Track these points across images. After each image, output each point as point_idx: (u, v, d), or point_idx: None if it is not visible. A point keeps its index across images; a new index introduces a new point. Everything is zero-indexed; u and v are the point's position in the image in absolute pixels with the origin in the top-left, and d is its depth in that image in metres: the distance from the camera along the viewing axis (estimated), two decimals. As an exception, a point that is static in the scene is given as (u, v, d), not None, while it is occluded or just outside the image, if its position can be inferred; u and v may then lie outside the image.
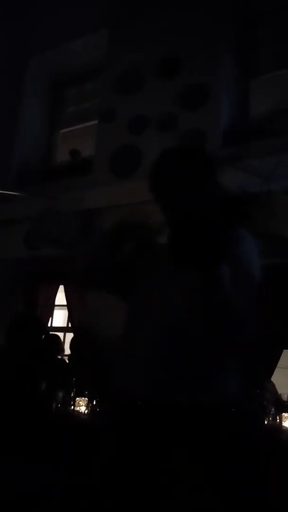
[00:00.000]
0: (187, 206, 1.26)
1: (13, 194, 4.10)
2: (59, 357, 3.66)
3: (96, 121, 4.27)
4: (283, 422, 2.47)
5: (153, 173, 1.37)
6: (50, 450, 2.50)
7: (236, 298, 1.12)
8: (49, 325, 4.59)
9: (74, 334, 3.89)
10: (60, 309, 4.76)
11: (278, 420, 2.49)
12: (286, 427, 2.45)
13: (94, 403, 2.83)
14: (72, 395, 2.90)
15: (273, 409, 2.51)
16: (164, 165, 1.36)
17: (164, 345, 1.24)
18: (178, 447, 1.19)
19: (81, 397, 2.87)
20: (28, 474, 2.37)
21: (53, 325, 4.73)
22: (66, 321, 4.70)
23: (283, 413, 2.49)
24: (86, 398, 2.86)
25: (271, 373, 3.12)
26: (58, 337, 3.97)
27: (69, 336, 4.15)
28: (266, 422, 2.47)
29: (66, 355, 3.76)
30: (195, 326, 1.18)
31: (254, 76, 3.71)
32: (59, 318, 4.99)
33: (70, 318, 4.44)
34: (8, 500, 2.21)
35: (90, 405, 2.84)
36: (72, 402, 2.87)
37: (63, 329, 4.57)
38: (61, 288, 4.44)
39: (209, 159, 1.38)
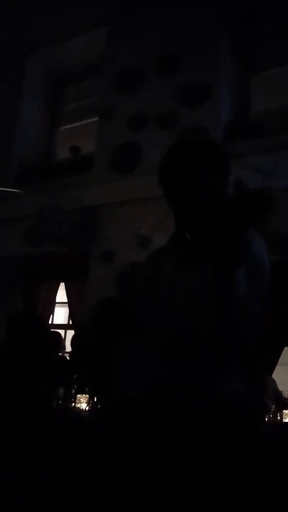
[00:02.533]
0: (200, 200, 1.22)
1: (14, 192, 4.10)
2: (60, 354, 3.66)
3: (96, 118, 4.27)
4: (284, 419, 2.47)
5: (164, 165, 1.31)
6: (51, 448, 2.51)
7: (248, 302, 1.08)
8: (50, 322, 4.60)
9: (75, 331, 3.89)
10: (61, 306, 4.76)
11: (279, 417, 2.49)
12: (287, 423, 2.45)
13: (95, 400, 2.84)
14: (73, 392, 2.91)
15: (274, 406, 2.51)
16: (176, 156, 1.30)
17: (168, 346, 1.22)
18: (179, 447, 1.18)
19: (82, 394, 2.88)
20: (27, 472, 2.37)
21: (54, 322, 4.73)
22: (67, 319, 4.70)
23: (284, 410, 2.49)
24: (86, 395, 2.87)
25: (272, 370, 3.13)
26: (59, 334, 3.98)
27: (70, 333, 4.16)
28: (267, 419, 2.47)
29: (67, 352, 3.77)
30: (201, 327, 1.16)
31: (255, 72, 3.70)
32: (60, 315, 5.00)
33: (71, 316, 4.44)
34: (7, 498, 2.21)
35: (91, 402, 2.85)
36: (73, 399, 2.88)
37: (64, 327, 4.58)
38: (62, 286, 4.44)
39: (223, 153, 1.32)
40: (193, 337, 1.18)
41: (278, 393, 2.75)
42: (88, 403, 2.85)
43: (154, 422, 1.20)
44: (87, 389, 2.89)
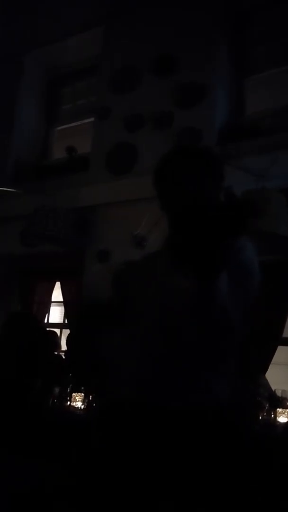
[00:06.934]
0: (192, 205, 1.24)
1: (9, 191, 4.11)
2: (56, 353, 3.68)
3: (92, 119, 4.28)
4: (277, 418, 2.50)
5: (161, 168, 1.34)
6: (46, 446, 2.52)
7: (230, 309, 1.09)
8: (46, 321, 4.61)
9: (70, 330, 3.90)
10: (56, 305, 4.78)
11: (272, 416, 2.52)
12: (280, 422, 2.49)
13: (90, 398, 2.86)
14: (68, 390, 2.93)
15: (267, 405, 2.55)
16: (173, 161, 1.33)
17: (158, 348, 1.23)
18: (170, 448, 1.19)
19: (77, 392, 2.90)
20: (22, 471, 2.38)
21: (50, 321, 4.74)
22: (62, 318, 4.71)
23: (277, 409, 2.52)
24: (82, 394, 2.88)
25: (265, 369, 3.15)
26: (55, 333, 3.99)
27: (66, 332, 4.17)
28: (260, 418, 2.50)
29: (62, 351, 3.78)
30: (189, 331, 1.17)
31: (250, 74, 3.73)
32: (56, 314, 5.01)
33: (66, 315, 4.45)
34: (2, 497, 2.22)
35: (87, 400, 2.87)
36: (68, 397, 2.90)
37: (60, 326, 4.59)
38: (58, 285, 4.45)
39: (218, 160, 1.37)
40: (181, 338, 1.20)
41: (271, 392, 2.78)
42: (83, 401, 2.87)
43: (144, 421, 1.21)
44: (83, 387, 2.91)
